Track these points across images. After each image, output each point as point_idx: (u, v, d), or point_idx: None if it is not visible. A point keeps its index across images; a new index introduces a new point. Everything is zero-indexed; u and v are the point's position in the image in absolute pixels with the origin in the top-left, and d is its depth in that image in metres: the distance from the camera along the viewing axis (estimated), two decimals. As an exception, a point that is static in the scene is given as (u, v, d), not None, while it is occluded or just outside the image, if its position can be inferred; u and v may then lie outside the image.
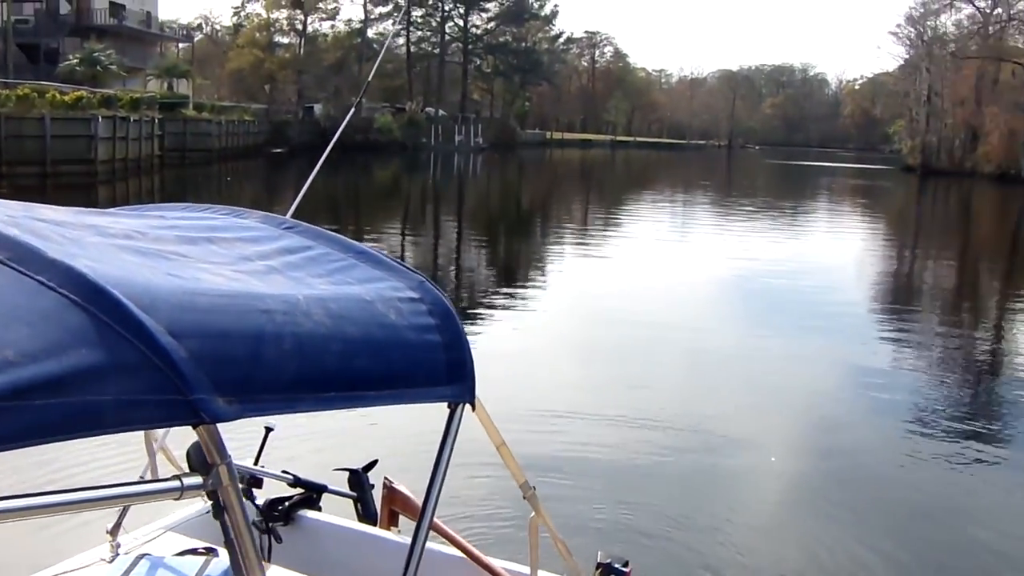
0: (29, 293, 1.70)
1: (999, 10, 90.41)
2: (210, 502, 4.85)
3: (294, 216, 3.12)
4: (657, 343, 13.53)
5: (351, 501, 5.24)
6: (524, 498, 3.61)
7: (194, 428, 1.85)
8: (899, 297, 21.21)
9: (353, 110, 6.35)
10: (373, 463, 5.43)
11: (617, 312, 15.99)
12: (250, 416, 1.94)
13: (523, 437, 8.15)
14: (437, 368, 2.59)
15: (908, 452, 9.07)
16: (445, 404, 2.68)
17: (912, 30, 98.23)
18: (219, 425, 1.90)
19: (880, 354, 13.56)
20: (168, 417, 1.82)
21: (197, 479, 1.93)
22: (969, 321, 18.55)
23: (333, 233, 2.82)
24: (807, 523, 7.48)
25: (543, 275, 21.35)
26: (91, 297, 1.72)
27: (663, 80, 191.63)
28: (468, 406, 2.75)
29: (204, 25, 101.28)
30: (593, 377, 11.46)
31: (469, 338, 2.73)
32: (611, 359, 12.52)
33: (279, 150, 65.59)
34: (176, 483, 1.87)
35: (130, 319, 1.73)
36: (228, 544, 4.18)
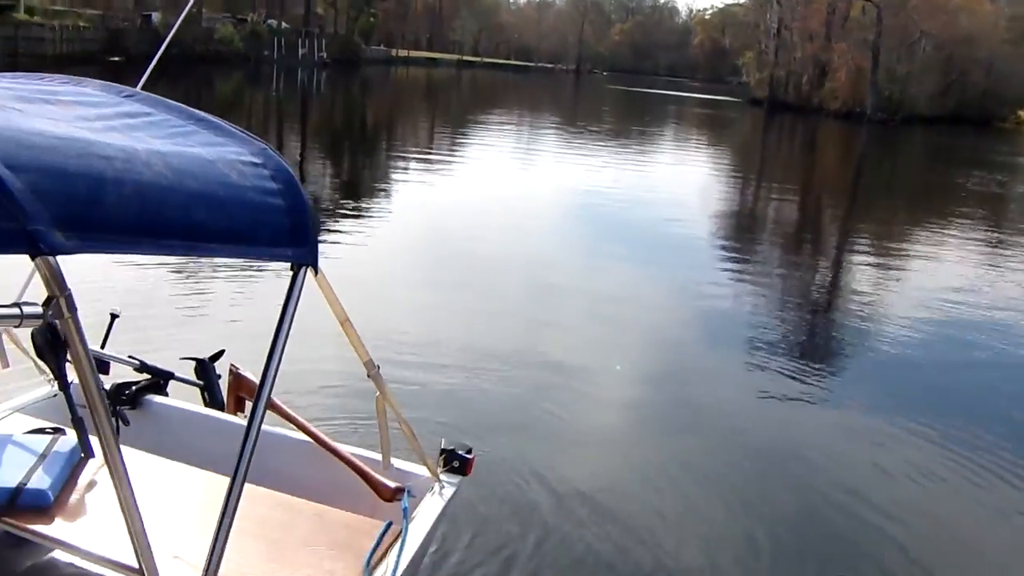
0: None
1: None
2: (55, 386, 4.97)
3: None
4: (501, 269, 13.84)
5: (198, 390, 5.39)
6: (368, 376, 3.79)
7: (32, 259, 1.93)
8: (742, 230, 21.87)
9: (184, 15, 6.30)
10: (220, 353, 5.58)
11: (461, 237, 16.19)
12: (89, 251, 2.00)
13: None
14: (280, 230, 2.69)
15: (745, 385, 9.46)
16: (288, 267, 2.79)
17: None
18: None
19: (722, 288, 14.04)
20: (4, 245, 1.86)
21: (37, 308, 1.98)
22: (809, 257, 19.33)
23: (175, 102, 2.87)
24: (641, 440, 7.91)
25: (387, 197, 21.26)
26: None
27: (511, 2, 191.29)
28: (311, 271, 2.88)
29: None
30: (434, 298, 11.64)
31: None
32: (453, 281, 12.67)
33: (116, 58, 62.92)
34: (16, 311, 1.95)
35: None
36: (75, 423, 4.33)
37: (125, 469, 2.31)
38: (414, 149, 31.97)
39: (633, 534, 6.03)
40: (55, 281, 2.00)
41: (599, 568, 5.60)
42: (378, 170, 26.45)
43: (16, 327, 2.02)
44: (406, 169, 25.64)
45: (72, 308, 2.03)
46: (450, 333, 9.91)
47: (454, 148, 32.88)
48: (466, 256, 14.46)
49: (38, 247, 1.86)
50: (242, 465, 2.73)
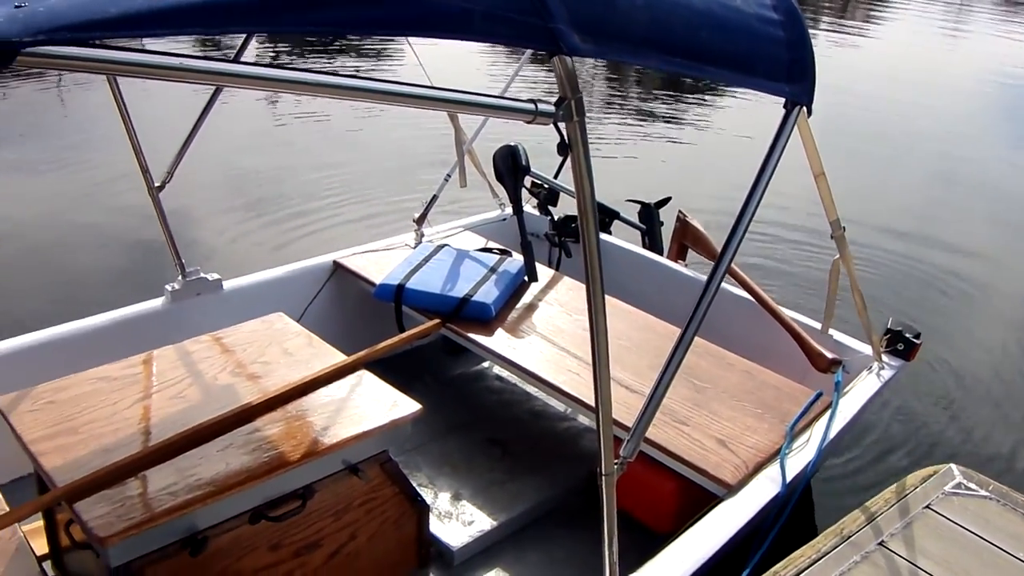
0: None
1: None
2: (508, 210, 5.56)
3: None
4: (907, 143, 13.43)
5: (639, 233, 5.82)
6: (832, 237, 3.85)
7: (550, 57, 2.06)
8: None
9: None
10: (666, 200, 5.96)
11: (870, 99, 15.81)
12: (602, 56, 2.17)
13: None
14: (778, 63, 2.75)
15: None
16: (781, 102, 2.85)
17: None
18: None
19: None
20: (528, 38, 2.04)
21: (550, 107, 2.11)
22: None
23: None
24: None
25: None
26: None
27: None
28: (805, 110, 2.93)
29: None
30: (847, 173, 11.50)
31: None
32: (869, 159, 12.46)
33: None
34: (531, 106, 2.09)
35: None
36: (523, 247, 4.84)
37: (603, 300, 2.41)
38: (827, 7, 30.89)
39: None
40: (569, 82, 2.10)
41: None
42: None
43: (528, 123, 2.12)
44: (815, 20, 24.87)
45: (581, 111, 2.14)
46: (863, 208, 9.91)
47: (871, 14, 31.47)
48: (873, 120, 14.10)
49: (558, 45, 2.04)
50: (698, 314, 2.83)
